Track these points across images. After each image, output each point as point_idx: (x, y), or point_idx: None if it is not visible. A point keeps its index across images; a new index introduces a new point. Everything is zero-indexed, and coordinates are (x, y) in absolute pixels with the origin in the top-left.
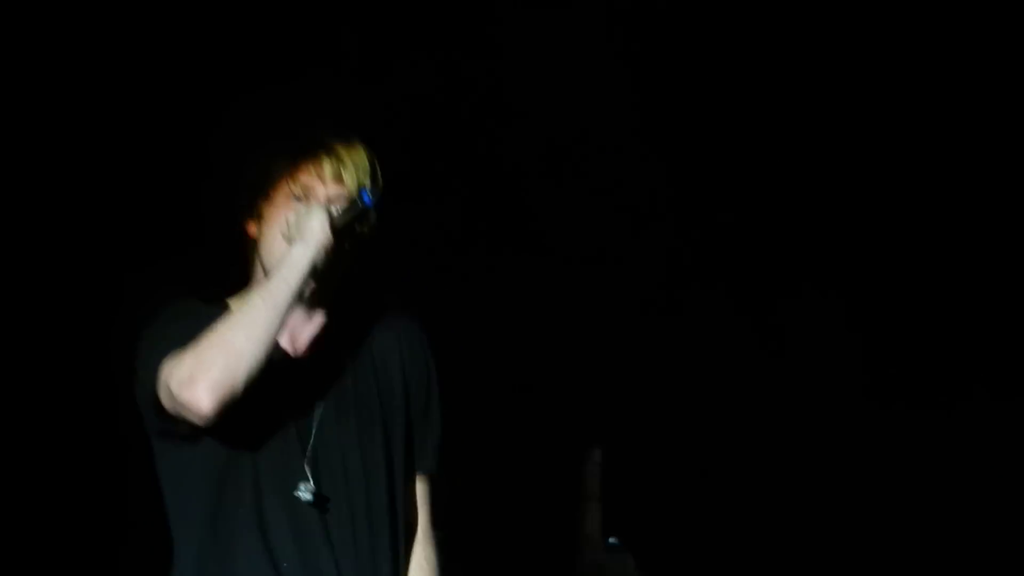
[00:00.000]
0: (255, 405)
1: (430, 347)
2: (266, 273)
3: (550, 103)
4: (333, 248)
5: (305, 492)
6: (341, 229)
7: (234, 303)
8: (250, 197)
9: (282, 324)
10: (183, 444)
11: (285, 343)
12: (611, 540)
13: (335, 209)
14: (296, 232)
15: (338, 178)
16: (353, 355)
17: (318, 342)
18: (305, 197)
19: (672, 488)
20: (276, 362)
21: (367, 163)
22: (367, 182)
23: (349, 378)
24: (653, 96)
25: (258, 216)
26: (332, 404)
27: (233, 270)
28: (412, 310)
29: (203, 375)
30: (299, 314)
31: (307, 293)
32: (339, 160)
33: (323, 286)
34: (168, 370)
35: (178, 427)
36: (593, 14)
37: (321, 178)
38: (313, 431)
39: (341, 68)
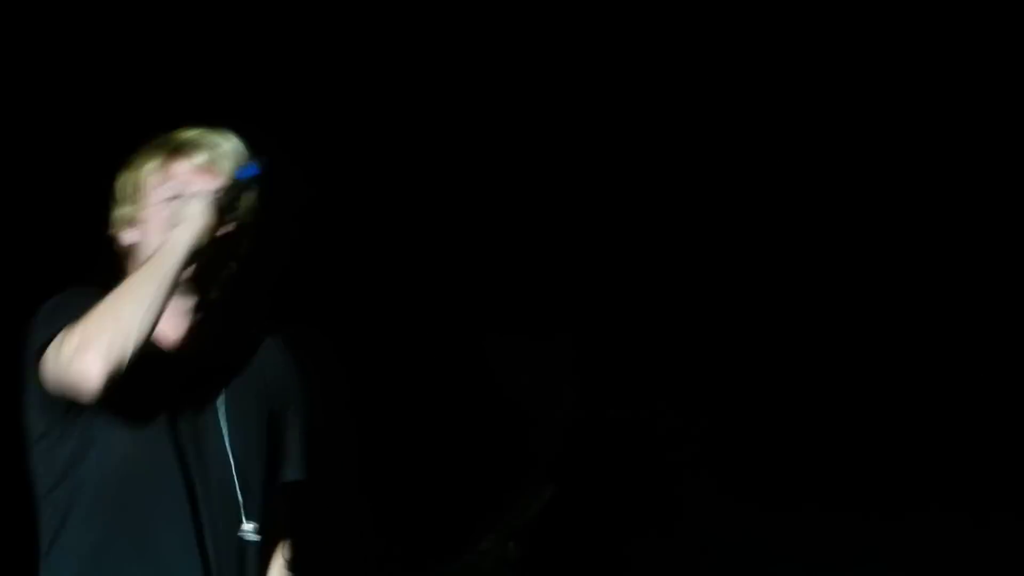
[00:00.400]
0: (135, 397)
1: (303, 359)
2: None
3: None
4: (214, 229)
5: None
6: (222, 209)
7: None
8: (129, 207)
9: (167, 298)
10: (66, 439)
11: (161, 336)
12: None
13: (216, 195)
14: (179, 220)
15: (211, 166)
16: (230, 356)
17: (196, 339)
18: (184, 194)
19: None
20: (153, 356)
21: (242, 149)
22: (224, 160)
23: (224, 378)
24: None
25: (139, 223)
26: (211, 401)
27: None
28: (288, 322)
29: (92, 344)
30: (177, 305)
31: (187, 276)
32: (213, 149)
33: (203, 271)
34: (56, 345)
35: (66, 415)
36: None
37: (196, 170)
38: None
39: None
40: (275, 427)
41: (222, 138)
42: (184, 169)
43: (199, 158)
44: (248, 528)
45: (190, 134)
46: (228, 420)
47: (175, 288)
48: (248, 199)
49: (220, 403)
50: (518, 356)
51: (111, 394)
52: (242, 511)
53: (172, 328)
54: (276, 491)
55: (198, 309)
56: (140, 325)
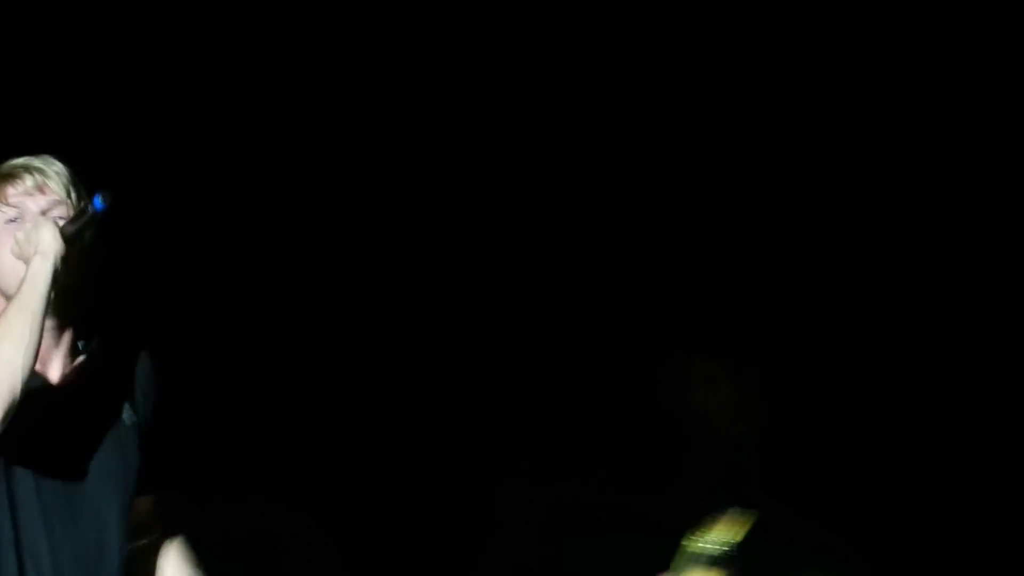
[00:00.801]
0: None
1: (156, 380)
2: (7, 296)
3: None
4: (68, 255)
5: None
6: (72, 237)
7: None
8: None
9: (41, 330)
10: None
11: (41, 363)
12: None
13: (61, 220)
14: (29, 248)
15: (43, 188)
16: (103, 385)
17: (72, 370)
18: (22, 216)
19: None
20: (34, 390)
21: (68, 172)
22: (72, 189)
23: (101, 410)
24: None
25: None
26: (87, 436)
27: None
28: (149, 343)
29: None
30: (48, 339)
31: (50, 303)
32: (39, 171)
33: (66, 298)
34: None
35: None
36: None
37: (27, 192)
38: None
39: None
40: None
41: (45, 163)
42: (15, 192)
43: (28, 182)
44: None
45: (15, 162)
46: (109, 440)
47: (45, 317)
48: (94, 228)
49: (100, 425)
50: (707, 377)
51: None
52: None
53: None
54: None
55: (61, 333)
56: (23, 363)
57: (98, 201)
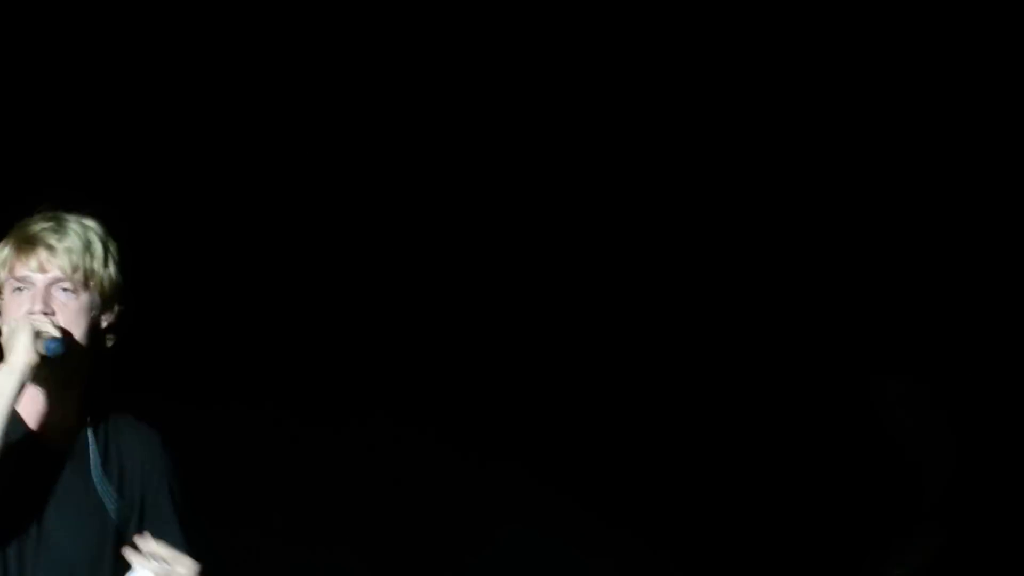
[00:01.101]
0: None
1: (166, 455)
2: None
3: None
4: (39, 363)
5: None
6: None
7: None
8: None
9: (5, 427)
10: None
11: (34, 425)
12: None
13: (44, 322)
14: (6, 345)
15: (45, 267)
16: (95, 448)
17: (67, 429)
18: (24, 287)
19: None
20: (22, 444)
21: (81, 244)
22: (84, 261)
23: (87, 473)
24: None
25: None
26: (68, 500)
27: None
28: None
29: None
30: (42, 398)
31: (36, 382)
32: (46, 248)
33: (49, 379)
34: None
35: None
36: None
37: (31, 268)
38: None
39: None
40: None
41: (59, 234)
42: (22, 266)
43: (33, 259)
44: None
45: (35, 228)
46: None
47: (13, 407)
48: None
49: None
50: (902, 398)
51: None
52: None
53: (36, 422)
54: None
55: (54, 400)
56: None
57: (52, 346)
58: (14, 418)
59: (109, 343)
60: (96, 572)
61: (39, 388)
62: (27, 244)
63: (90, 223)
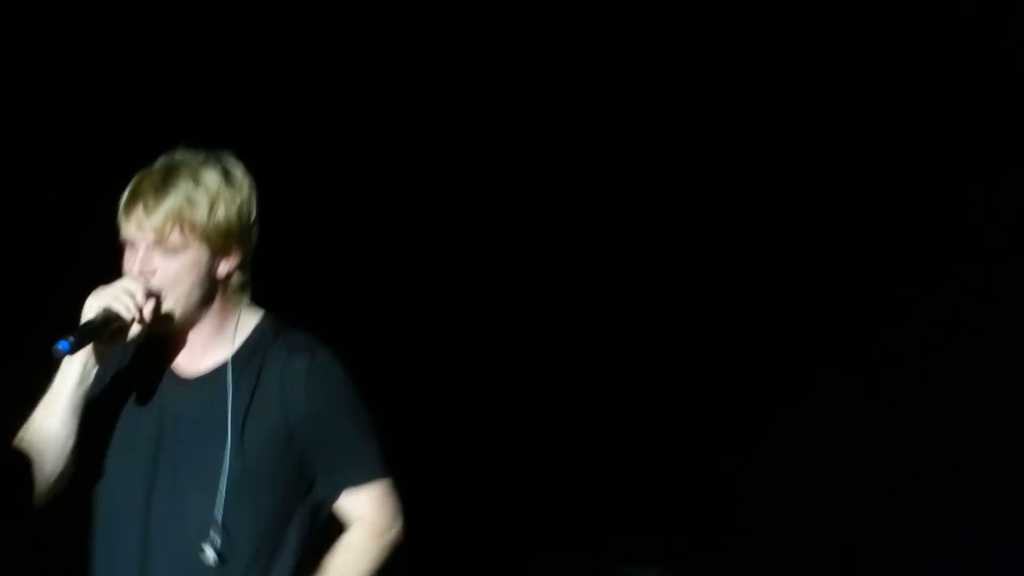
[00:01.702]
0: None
1: (330, 380)
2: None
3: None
4: (93, 350)
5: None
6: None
7: None
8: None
9: (72, 422)
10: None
11: (183, 364)
12: None
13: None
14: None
15: (143, 227)
16: (233, 386)
17: (214, 371)
18: (130, 244)
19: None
20: (164, 388)
21: (183, 198)
22: (179, 220)
23: (231, 413)
24: None
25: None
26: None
27: None
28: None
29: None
30: (176, 343)
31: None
32: (144, 207)
33: (171, 329)
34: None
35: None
36: None
37: (131, 229)
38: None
39: None
40: (297, 449)
41: (165, 190)
42: (126, 220)
43: (135, 219)
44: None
45: (138, 184)
46: (232, 447)
47: (77, 409)
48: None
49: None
50: None
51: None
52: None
53: (185, 359)
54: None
55: (194, 345)
56: (55, 458)
57: (64, 345)
58: (155, 363)
59: (238, 281)
60: (220, 517)
61: (168, 335)
62: (128, 203)
63: (209, 167)
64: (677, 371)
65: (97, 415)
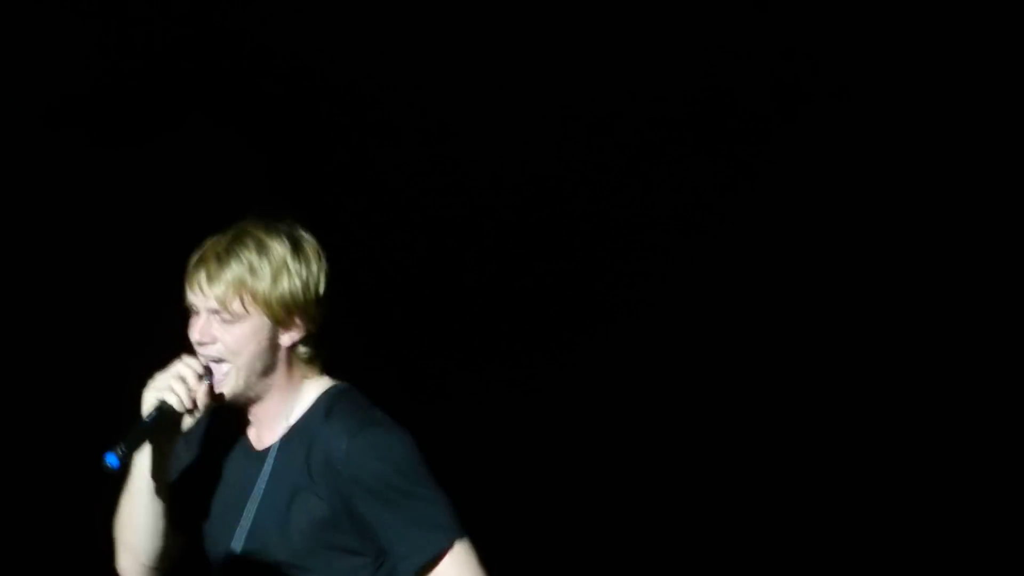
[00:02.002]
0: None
1: (368, 462)
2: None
3: None
4: (152, 450)
5: None
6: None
7: None
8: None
9: (156, 512)
10: None
11: (251, 435)
12: None
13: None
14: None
15: (205, 295)
16: (271, 463)
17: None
18: (193, 311)
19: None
20: (234, 455)
21: (245, 268)
22: (240, 289)
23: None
24: None
25: None
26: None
27: None
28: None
29: (119, 555)
30: (241, 415)
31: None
32: (206, 276)
33: (237, 402)
34: None
35: None
36: None
37: (194, 296)
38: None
39: None
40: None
41: (228, 259)
42: (189, 296)
43: (197, 286)
44: None
45: (203, 252)
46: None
47: (156, 495)
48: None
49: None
50: None
51: None
52: None
53: (255, 434)
54: None
55: (254, 417)
56: (144, 545)
57: (112, 459)
58: (229, 434)
59: (305, 354)
60: None
61: (235, 407)
62: (193, 269)
63: (277, 237)
64: (677, 371)
65: (180, 491)
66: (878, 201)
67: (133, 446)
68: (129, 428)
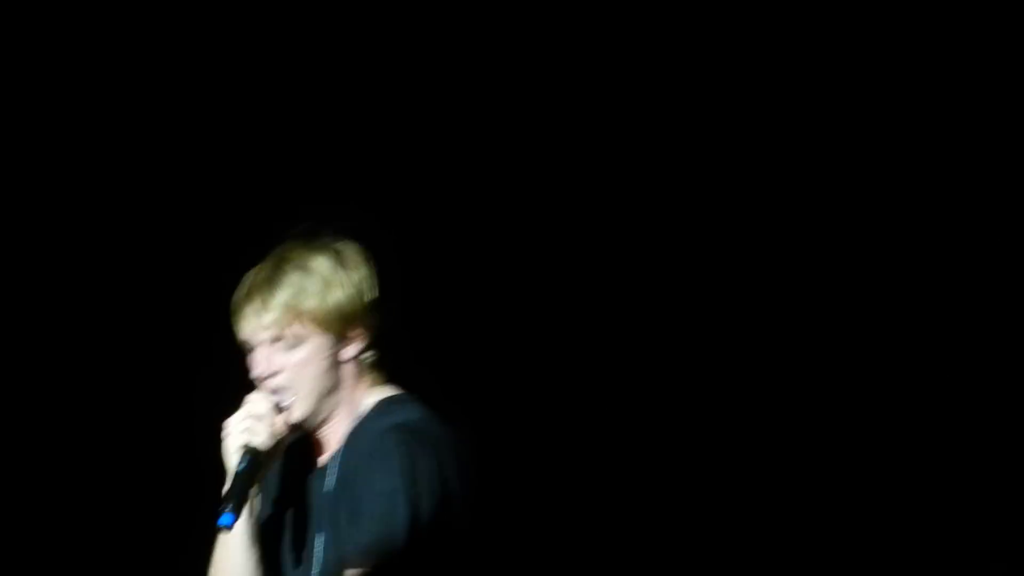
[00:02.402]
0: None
1: (376, 456)
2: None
3: None
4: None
5: None
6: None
7: None
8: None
9: (252, 558)
10: None
11: (318, 456)
12: None
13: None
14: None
15: (257, 331)
16: (332, 478)
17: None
18: (248, 348)
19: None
20: (302, 479)
21: (294, 291)
22: (293, 313)
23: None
24: None
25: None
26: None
27: None
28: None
29: None
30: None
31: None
32: (253, 312)
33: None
34: None
35: None
36: None
37: (246, 334)
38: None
39: None
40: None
41: (271, 289)
42: (240, 334)
43: (246, 325)
44: None
45: (244, 289)
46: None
47: (258, 546)
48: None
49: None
50: None
51: None
52: None
53: (314, 451)
54: None
55: (320, 436)
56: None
57: (228, 519)
58: (302, 455)
59: (367, 358)
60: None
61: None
62: (240, 304)
63: (318, 252)
64: (677, 371)
65: (264, 530)
66: (878, 201)
67: (240, 499)
68: (230, 484)
